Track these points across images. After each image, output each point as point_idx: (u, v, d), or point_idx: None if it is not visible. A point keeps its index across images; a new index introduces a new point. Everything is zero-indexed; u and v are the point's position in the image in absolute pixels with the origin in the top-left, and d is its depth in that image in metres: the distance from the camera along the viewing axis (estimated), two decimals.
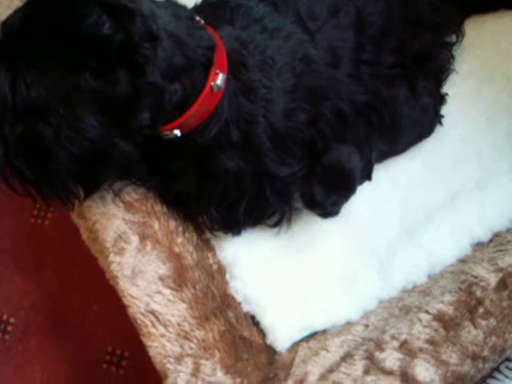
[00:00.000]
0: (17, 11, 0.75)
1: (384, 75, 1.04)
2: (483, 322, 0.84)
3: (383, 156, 1.05)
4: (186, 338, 0.87)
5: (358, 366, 0.83)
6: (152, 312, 0.90)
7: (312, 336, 0.97)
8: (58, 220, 1.35)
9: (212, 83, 0.84)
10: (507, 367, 1.03)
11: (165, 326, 0.89)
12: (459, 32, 1.14)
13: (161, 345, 0.87)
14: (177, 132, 0.86)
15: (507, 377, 1.02)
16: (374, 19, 1.04)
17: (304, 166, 0.97)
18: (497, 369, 1.02)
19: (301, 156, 0.97)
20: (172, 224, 0.99)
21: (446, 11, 1.10)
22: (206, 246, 1.05)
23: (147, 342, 0.89)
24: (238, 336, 0.92)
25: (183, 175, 0.97)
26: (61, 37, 0.71)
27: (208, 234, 1.05)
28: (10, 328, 1.27)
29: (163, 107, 0.81)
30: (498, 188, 1.04)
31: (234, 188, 0.95)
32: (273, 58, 0.93)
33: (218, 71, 0.84)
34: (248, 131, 0.91)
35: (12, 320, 1.27)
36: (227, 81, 0.86)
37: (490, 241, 1.00)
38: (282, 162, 0.95)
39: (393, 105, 1.02)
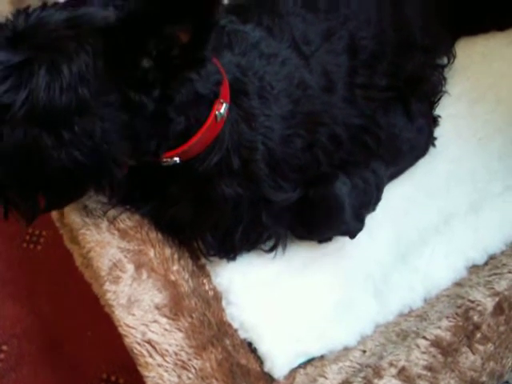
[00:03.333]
0: (58, 9, 0.73)
1: (378, 98, 1.05)
2: (481, 348, 0.85)
3: (387, 180, 1.06)
4: (184, 368, 0.87)
5: None
6: (149, 342, 0.89)
7: (309, 362, 0.96)
8: (50, 245, 1.34)
9: (216, 112, 0.84)
10: None
11: (162, 355, 0.88)
12: (450, 54, 1.15)
13: (158, 375, 0.86)
14: (176, 159, 0.86)
15: None
16: (367, 43, 1.04)
17: (299, 192, 0.98)
18: None
19: (296, 181, 0.97)
20: (167, 251, 0.99)
21: (437, 34, 1.12)
22: (202, 272, 1.04)
23: (144, 373, 0.88)
24: (236, 364, 0.91)
25: (178, 201, 0.97)
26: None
27: (203, 260, 1.05)
28: (2, 356, 1.25)
29: (167, 136, 0.81)
30: (492, 210, 1.05)
31: (231, 214, 0.95)
32: (271, 84, 0.93)
33: (221, 101, 0.85)
34: (248, 158, 0.91)
35: (4, 347, 1.25)
36: (229, 109, 0.86)
37: (486, 264, 1.00)
38: (279, 187, 0.95)
39: (392, 130, 1.03)
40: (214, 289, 1.03)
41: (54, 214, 1.35)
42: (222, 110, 0.84)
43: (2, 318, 1.28)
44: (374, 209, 1.04)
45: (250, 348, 0.98)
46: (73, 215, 1.04)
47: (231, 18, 0.99)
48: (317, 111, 0.98)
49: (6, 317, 1.28)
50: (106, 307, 1.09)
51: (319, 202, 0.97)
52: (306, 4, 1.02)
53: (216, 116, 0.84)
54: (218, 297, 1.02)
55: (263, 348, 0.96)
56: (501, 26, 1.22)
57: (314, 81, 0.98)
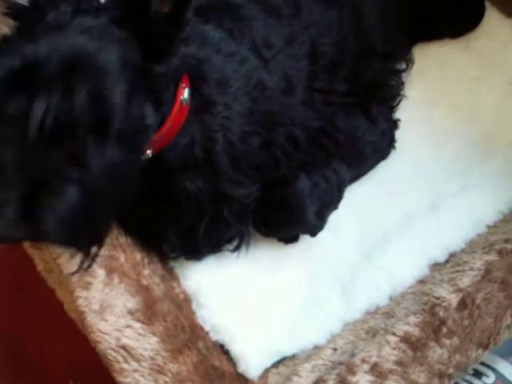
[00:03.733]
0: None
1: (337, 103, 1.08)
2: (447, 341, 0.88)
3: (349, 182, 1.08)
4: (160, 372, 0.87)
5: None
6: (123, 347, 0.88)
7: (281, 362, 0.98)
8: (7, 250, 1.30)
9: (181, 97, 0.85)
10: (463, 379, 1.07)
11: (137, 360, 0.88)
12: (409, 60, 1.19)
13: (134, 380, 0.86)
14: (149, 152, 0.85)
15: None
16: (327, 50, 1.07)
17: (258, 188, 0.99)
18: None
19: (255, 178, 0.99)
20: (138, 256, 0.98)
21: (396, 40, 1.16)
22: (171, 275, 1.04)
23: (119, 379, 0.87)
24: (210, 366, 0.92)
25: (142, 202, 0.97)
26: None
27: (171, 263, 1.05)
28: None
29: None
30: (450, 209, 1.09)
31: (193, 211, 0.96)
32: (228, 79, 0.94)
33: (184, 85, 0.85)
34: (210, 149, 0.91)
35: None
36: (190, 96, 0.87)
37: (447, 261, 1.05)
38: (238, 181, 0.96)
39: (354, 133, 1.06)
40: (184, 292, 1.03)
41: None
42: (185, 95, 0.85)
43: None
44: (336, 207, 1.07)
45: (223, 350, 0.99)
46: None
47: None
48: (275, 111, 0.99)
49: None
50: (74, 313, 1.08)
51: (280, 202, 0.99)
52: (269, 9, 1.04)
53: (181, 101, 0.85)
54: (188, 300, 1.03)
55: (235, 349, 0.97)
56: (453, 34, 1.27)
57: (272, 82, 1.00)
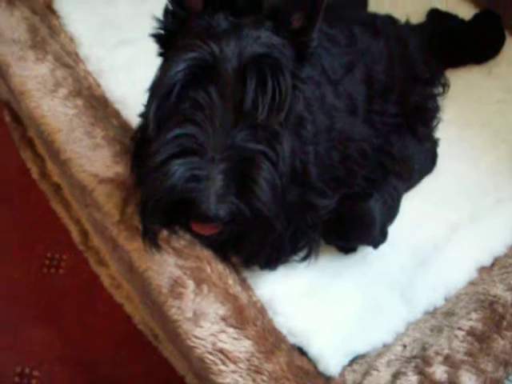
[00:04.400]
0: None
1: (390, 123, 1.20)
2: (508, 334, 1.00)
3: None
4: (258, 372, 0.96)
5: (413, 380, 0.95)
6: (220, 350, 0.97)
7: (354, 360, 1.08)
8: (72, 268, 1.37)
9: None
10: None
11: (235, 362, 0.96)
12: (445, 84, 1.32)
13: (234, 381, 0.95)
14: None
15: None
16: (380, 76, 1.20)
17: (337, 201, 1.08)
18: None
19: (335, 190, 1.09)
20: (220, 267, 1.08)
21: (433, 67, 1.29)
22: (246, 285, 1.13)
23: (218, 380, 0.95)
24: (296, 366, 1.01)
25: None
26: None
27: (244, 274, 1.14)
28: (34, 382, 1.27)
29: None
30: (489, 219, 1.22)
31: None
32: (310, 99, 1.05)
33: None
34: (305, 160, 1.01)
35: (35, 373, 1.28)
36: None
37: (493, 265, 1.17)
38: (323, 193, 1.06)
39: (405, 152, 1.17)
40: (259, 301, 1.13)
41: (77, 238, 1.40)
42: None
43: (31, 343, 1.31)
44: (392, 222, 1.18)
45: (301, 351, 1.08)
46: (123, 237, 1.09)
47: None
48: (347, 129, 1.11)
49: (35, 341, 1.31)
50: (171, 323, 1.16)
51: (354, 215, 1.09)
52: (330, 39, 1.16)
53: None
54: (264, 307, 1.12)
55: (314, 350, 1.06)
56: (477, 61, 1.41)
57: (341, 104, 1.12)
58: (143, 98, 1.10)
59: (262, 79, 0.81)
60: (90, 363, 1.29)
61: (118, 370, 1.27)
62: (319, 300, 1.12)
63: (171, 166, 0.79)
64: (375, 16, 1.28)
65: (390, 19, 1.29)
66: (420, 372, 0.96)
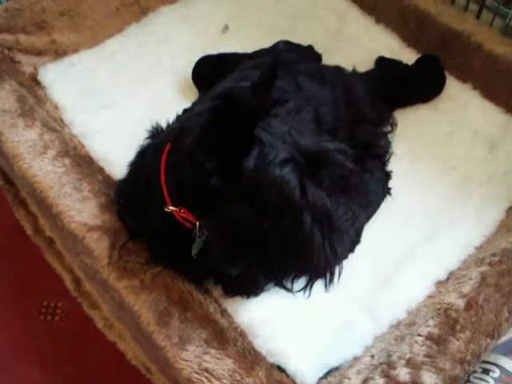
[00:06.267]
0: None
1: None
2: (462, 335, 1.11)
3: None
4: None
5: (380, 383, 1.06)
6: (206, 370, 1.08)
7: (328, 373, 1.18)
8: (68, 313, 1.48)
9: None
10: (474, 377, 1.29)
11: (219, 379, 1.07)
12: (393, 123, 1.48)
13: None
14: None
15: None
16: (327, 117, 1.34)
17: None
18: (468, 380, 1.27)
19: None
20: (201, 297, 1.20)
21: (381, 108, 1.44)
22: (226, 314, 1.25)
23: None
24: (275, 380, 1.12)
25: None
26: None
27: (224, 304, 1.26)
28: None
29: None
30: (444, 238, 1.35)
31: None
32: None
33: None
34: None
35: None
36: None
37: (448, 278, 1.29)
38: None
39: (361, 183, 1.31)
40: (239, 326, 1.24)
41: (70, 286, 1.52)
42: None
43: None
44: (353, 251, 1.29)
45: (280, 369, 1.18)
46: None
47: None
48: None
49: None
50: (137, 360, 1.26)
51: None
52: (278, 89, 1.30)
53: None
54: (244, 331, 1.23)
55: (292, 367, 1.16)
56: (424, 99, 1.58)
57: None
58: (126, 155, 1.26)
59: None
60: None
61: None
62: (295, 321, 1.23)
63: None
64: (322, 67, 1.44)
65: (337, 69, 1.44)
66: (386, 375, 1.07)
